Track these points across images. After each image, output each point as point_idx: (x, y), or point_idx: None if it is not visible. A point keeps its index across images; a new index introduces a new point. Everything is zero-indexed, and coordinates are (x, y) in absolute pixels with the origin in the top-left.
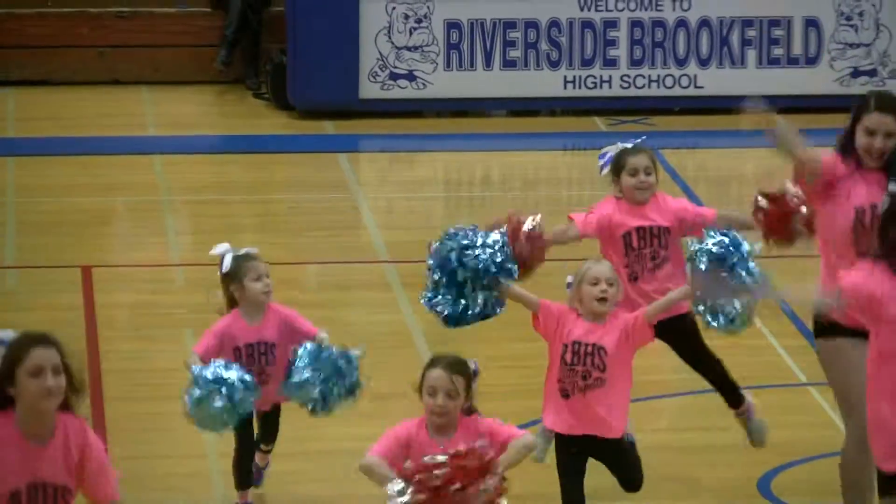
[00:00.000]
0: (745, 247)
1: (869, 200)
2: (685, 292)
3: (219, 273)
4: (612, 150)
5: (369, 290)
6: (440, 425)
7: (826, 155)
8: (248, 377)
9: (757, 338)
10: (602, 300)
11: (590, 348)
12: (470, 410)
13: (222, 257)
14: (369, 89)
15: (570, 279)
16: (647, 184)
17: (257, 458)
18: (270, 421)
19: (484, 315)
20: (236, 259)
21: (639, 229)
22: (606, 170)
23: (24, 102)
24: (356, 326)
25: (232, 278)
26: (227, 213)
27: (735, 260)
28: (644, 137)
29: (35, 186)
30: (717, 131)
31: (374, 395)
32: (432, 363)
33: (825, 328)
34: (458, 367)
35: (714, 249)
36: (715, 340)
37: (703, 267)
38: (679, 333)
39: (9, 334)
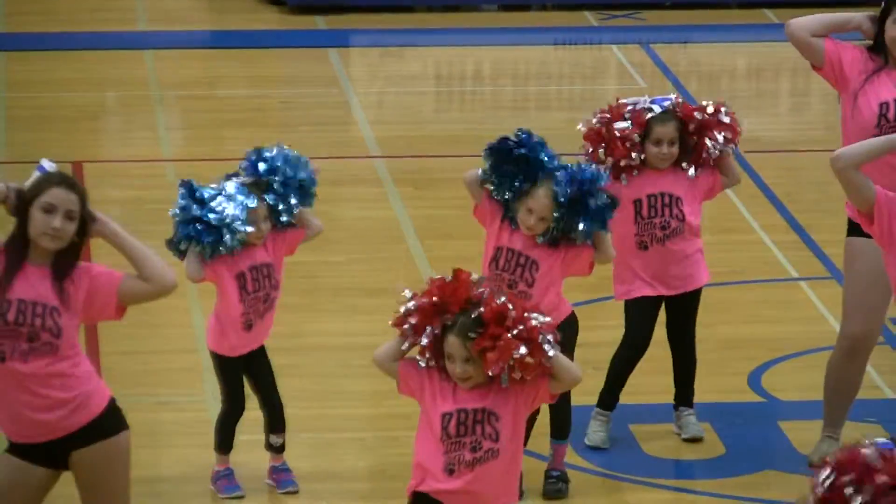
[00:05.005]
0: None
1: (893, 95)
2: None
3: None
4: (639, 104)
5: (360, 185)
6: (467, 387)
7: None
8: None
9: (748, 233)
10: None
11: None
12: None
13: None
14: None
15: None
16: (670, 154)
17: (270, 458)
18: (269, 399)
19: None
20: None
21: (650, 197)
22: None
23: None
24: (347, 222)
25: None
26: (217, 109)
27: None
28: (673, 97)
29: (26, 82)
30: (708, 26)
31: (367, 291)
32: (449, 327)
33: (855, 227)
34: (474, 329)
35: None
36: (704, 236)
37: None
38: (683, 306)
39: (51, 165)
